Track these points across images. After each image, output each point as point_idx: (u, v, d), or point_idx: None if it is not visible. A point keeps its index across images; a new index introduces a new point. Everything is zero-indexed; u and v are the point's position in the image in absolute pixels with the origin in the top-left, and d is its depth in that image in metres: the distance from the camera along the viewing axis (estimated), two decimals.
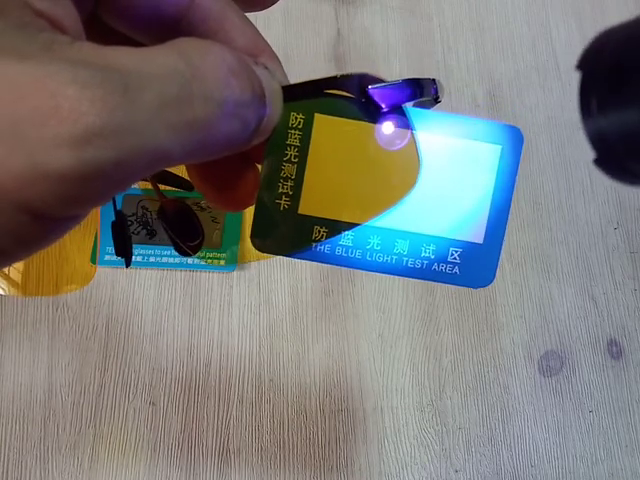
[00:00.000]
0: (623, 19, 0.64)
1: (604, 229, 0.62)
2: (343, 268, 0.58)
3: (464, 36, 0.68)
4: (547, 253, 0.61)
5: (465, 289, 0.59)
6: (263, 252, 0.25)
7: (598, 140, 0.20)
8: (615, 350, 0.59)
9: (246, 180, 0.26)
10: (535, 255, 0.61)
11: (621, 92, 0.17)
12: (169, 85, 0.17)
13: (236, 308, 0.58)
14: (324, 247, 0.25)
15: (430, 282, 0.25)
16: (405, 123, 0.24)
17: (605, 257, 0.61)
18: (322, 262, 0.25)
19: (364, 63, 0.66)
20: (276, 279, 0.59)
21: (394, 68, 0.66)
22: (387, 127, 0.24)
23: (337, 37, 0.66)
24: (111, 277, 0.57)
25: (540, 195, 0.62)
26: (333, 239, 0.24)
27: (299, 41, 0.66)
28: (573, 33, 0.68)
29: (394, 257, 0.25)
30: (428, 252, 0.25)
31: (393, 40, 0.67)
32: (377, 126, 0.24)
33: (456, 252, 0.25)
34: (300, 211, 0.24)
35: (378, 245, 0.24)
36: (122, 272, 0.57)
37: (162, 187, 0.51)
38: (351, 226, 0.24)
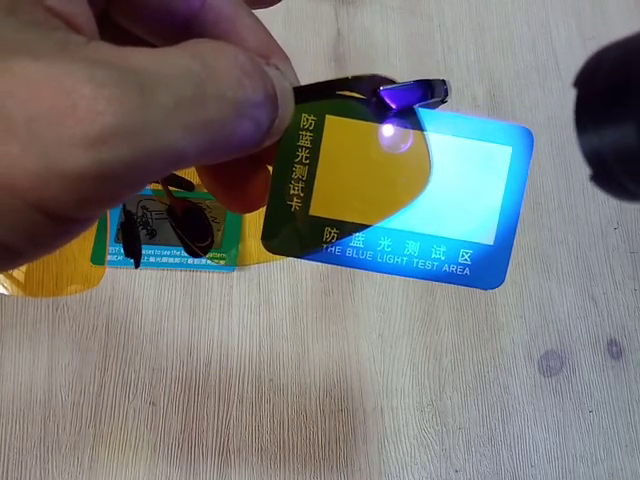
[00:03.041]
0: (623, 19, 0.64)
1: (604, 229, 0.62)
2: (343, 268, 0.58)
3: (464, 36, 0.68)
4: (547, 253, 0.61)
5: (465, 289, 0.59)
6: (273, 253, 0.25)
7: (593, 158, 0.20)
8: (615, 350, 0.59)
9: (257, 181, 0.26)
10: (535, 255, 0.61)
11: (615, 110, 0.17)
12: (184, 85, 0.17)
13: (236, 308, 0.58)
14: (335, 248, 0.24)
15: (438, 283, 0.25)
16: (414, 124, 0.24)
17: (605, 257, 0.62)
18: (333, 264, 0.25)
19: (364, 63, 0.66)
20: (276, 279, 0.59)
21: (394, 68, 0.66)
22: (388, 131, 0.24)
23: (337, 37, 0.66)
24: (111, 277, 0.57)
25: (540, 195, 0.63)
26: (344, 240, 0.24)
27: (299, 41, 0.66)
28: (573, 33, 0.69)
29: (405, 258, 0.25)
30: (439, 253, 0.25)
31: (393, 40, 0.67)
32: (380, 132, 0.24)
33: (467, 253, 0.25)
34: (311, 212, 0.24)
35: (389, 247, 0.24)
36: (122, 272, 0.57)
37: (157, 186, 0.51)
38: (362, 227, 0.24)
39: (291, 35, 0.66)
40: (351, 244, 0.24)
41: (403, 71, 0.66)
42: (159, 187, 0.46)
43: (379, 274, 0.59)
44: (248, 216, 0.57)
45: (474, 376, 0.58)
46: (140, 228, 0.57)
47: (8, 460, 0.53)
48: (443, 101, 0.25)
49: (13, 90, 0.14)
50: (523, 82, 0.67)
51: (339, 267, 0.58)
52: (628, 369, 0.59)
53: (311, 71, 0.65)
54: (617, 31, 0.69)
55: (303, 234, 0.25)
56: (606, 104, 0.18)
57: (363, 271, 0.24)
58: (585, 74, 0.20)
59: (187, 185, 0.53)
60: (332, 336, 0.57)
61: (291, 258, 0.25)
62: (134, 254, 0.38)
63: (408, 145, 0.24)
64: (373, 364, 0.57)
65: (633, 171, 0.18)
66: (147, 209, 0.57)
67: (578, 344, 0.59)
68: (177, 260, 0.57)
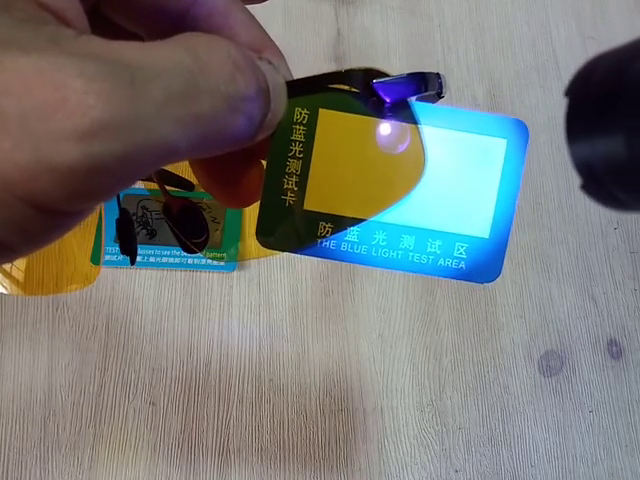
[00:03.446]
0: (623, 19, 0.64)
1: (604, 229, 0.62)
2: (343, 267, 0.58)
3: (464, 36, 0.68)
4: (547, 253, 0.61)
5: (465, 288, 0.59)
6: (268, 248, 0.25)
7: (584, 167, 0.20)
8: (615, 350, 0.59)
9: (251, 176, 0.26)
10: (535, 255, 0.61)
11: (607, 119, 0.17)
12: (176, 79, 0.17)
13: (236, 308, 0.58)
14: (329, 243, 0.24)
15: (435, 278, 0.25)
16: (408, 118, 0.24)
17: (605, 257, 0.61)
18: (327, 258, 0.25)
19: (364, 63, 0.65)
20: (276, 279, 0.59)
21: (394, 68, 0.66)
22: (385, 133, 0.24)
23: (337, 37, 0.66)
24: (111, 277, 0.57)
25: (540, 195, 0.62)
26: (338, 235, 0.24)
27: (299, 41, 0.66)
28: (573, 33, 0.69)
29: (400, 252, 0.25)
30: (434, 247, 0.24)
31: (393, 40, 0.67)
32: (377, 134, 0.24)
33: (462, 247, 0.25)
34: (305, 207, 0.24)
35: (384, 241, 0.24)
36: (122, 272, 0.57)
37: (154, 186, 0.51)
38: (356, 222, 0.24)
39: (291, 35, 0.66)
40: (346, 238, 0.24)
41: (403, 71, 0.66)
42: (156, 187, 0.46)
43: (379, 273, 0.58)
44: (248, 215, 0.57)
45: (474, 376, 0.58)
46: (140, 228, 0.57)
47: (8, 460, 0.53)
48: (440, 96, 0.25)
49: (4, 85, 0.14)
50: (523, 82, 0.67)
51: (339, 267, 0.58)
52: (628, 369, 0.59)
53: (311, 71, 0.64)
54: (617, 31, 0.69)
55: (298, 229, 0.24)
56: (598, 113, 0.18)
57: (361, 268, 0.24)
58: (578, 82, 0.20)
59: (187, 185, 0.53)
60: (332, 336, 0.57)
61: (291, 256, 0.25)
62: (130, 252, 0.38)
63: (405, 146, 0.24)
64: (373, 364, 0.57)
65: (623, 181, 0.18)
66: (147, 209, 0.57)
67: (578, 344, 0.59)
68: (177, 260, 0.57)
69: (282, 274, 0.59)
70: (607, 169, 0.18)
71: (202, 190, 0.55)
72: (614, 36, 0.68)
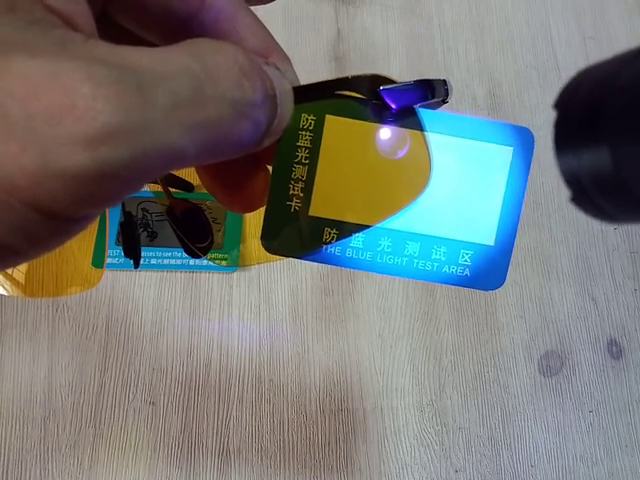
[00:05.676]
0: (623, 19, 0.64)
1: (604, 229, 0.62)
2: (344, 268, 0.58)
3: (464, 36, 0.68)
4: (547, 253, 0.61)
5: (465, 289, 0.59)
6: (273, 254, 0.24)
7: (572, 180, 0.20)
8: (615, 350, 0.59)
9: (257, 181, 0.26)
10: (535, 255, 0.61)
11: (591, 134, 0.17)
12: (183, 85, 0.17)
13: (236, 308, 0.58)
14: (334, 249, 0.24)
15: (439, 284, 0.25)
16: (414, 124, 0.24)
17: (605, 257, 0.62)
18: (332, 264, 0.24)
19: (364, 63, 0.65)
20: (276, 279, 0.59)
21: (394, 68, 0.66)
22: (384, 139, 0.24)
23: (337, 37, 0.66)
24: (111, 277, 0.57)
25: (540, 195, 0.63)
26: (344, 241, 0.24)
27: (299, 41, 0.66)
28: (573, 33, 0.69)
29: (405, 259, 0.24)
30: (439, 254, 0.24)
31: (393, 40, 0.67)
32: (377, 138, 0.24)
33: (467, 254, 0.25)
34: (311, 213, 0.24)
35: (389, 247, 0.24)
36: (122, 272, 0.57)
37: (157, 188, 0.51)
38: (362, 228, 0.24)
39: (291, 35, 0.66)
40: (351, 245, 0.24)
41: (403, 71, 0.66)
42: (159, 189, 0.46)
43: (386, 275, 0.58)
44: (248, 216, 0.57)
45: (474, 376, 0.58)
46: (140, 230, 0.56)
47: (8, 460, 0.53)
48: (444, 101, 0.25)
49: (11, 88, 0.14)
50: (523, 82, 0.67)
51: (342, 267, 0.58)
52: (628, 369, 0.59)
53: (311, 71, 0.65)
54: (617, 31, 0.69)
55: (303, 234, 0.24)
56: (584, 126, 0.18)
57: (369, 272, 0.24)
58: (565, 95, 0.20)
59: (186, 186, 0.53)
60: (332, 336, 0.57)
61: (291, 258, 0.25)
62: (133, 254, 0.38)
63: (404, 152, 0.24)
64: (373, 364, 0.57)
65: (609, 194, 0.18)
66: (147, 211, 0.57)
67: (578, 344, 0.59)
68: (179, 262, 0.57)
69: (282, 274, 0.59)
70: (594, 182, 0.18)
71: (202, 191, 0.55)
72: (614, 36, 0.68)
